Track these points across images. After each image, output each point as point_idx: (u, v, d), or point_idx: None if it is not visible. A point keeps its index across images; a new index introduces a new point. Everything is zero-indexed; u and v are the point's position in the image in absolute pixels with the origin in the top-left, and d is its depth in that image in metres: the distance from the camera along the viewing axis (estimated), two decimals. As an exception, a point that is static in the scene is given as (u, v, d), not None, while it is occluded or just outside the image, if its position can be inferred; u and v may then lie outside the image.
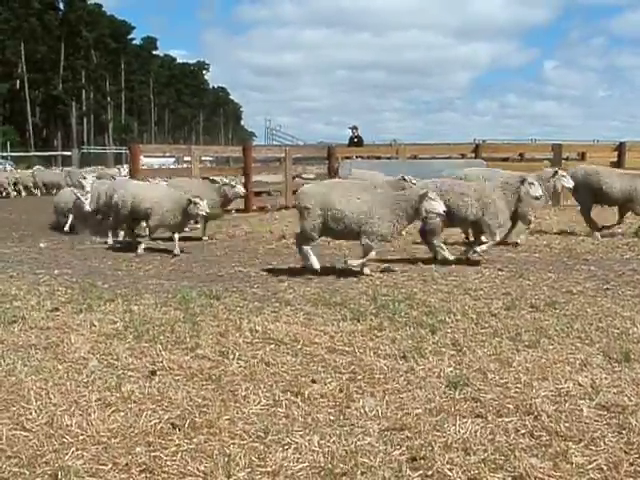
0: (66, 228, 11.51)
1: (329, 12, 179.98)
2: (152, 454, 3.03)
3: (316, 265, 7.10)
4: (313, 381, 3.92)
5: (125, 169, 25.75)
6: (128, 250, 9.26)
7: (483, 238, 7.99)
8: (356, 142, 19.20)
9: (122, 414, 3.46)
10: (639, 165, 15.12)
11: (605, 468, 2.90)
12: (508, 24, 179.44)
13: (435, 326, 4.97)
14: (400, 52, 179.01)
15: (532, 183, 7.86)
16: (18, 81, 72.73)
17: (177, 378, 4.00)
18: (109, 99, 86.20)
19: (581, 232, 10.17)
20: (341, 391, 3.76)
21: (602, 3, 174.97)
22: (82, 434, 3.22)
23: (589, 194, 10.08)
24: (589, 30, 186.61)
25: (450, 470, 2.87)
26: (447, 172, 11.21)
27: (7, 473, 2.89)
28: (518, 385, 3.81)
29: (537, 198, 8.09)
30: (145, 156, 18.56)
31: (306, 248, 7.17)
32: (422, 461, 2.95)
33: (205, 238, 10.47)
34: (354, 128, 19.42)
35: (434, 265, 7.62)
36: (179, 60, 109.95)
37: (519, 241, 9.17)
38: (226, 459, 2.97)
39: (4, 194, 23.68)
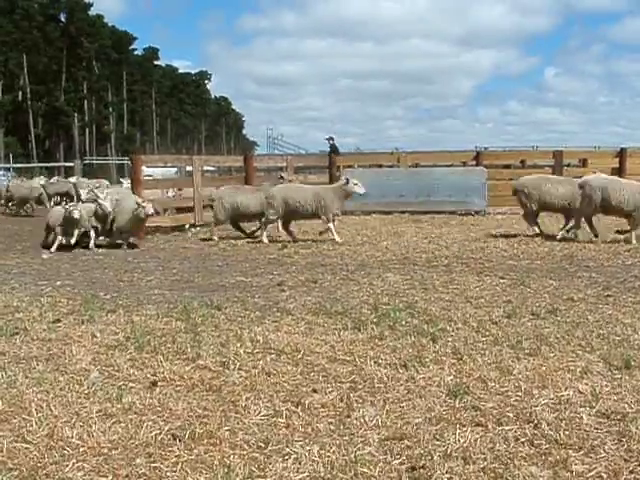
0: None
1: (331, 22, 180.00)
2: (152, 465, 3.04)
3: None
4: (314, 391, 3.92)
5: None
6: (128, 261, 9.30)
7: None
8: (334, 151, 20.18)
9: (123, 425, 3.47)
10: (640, 171, 15.13)
11: (605, 476, 2.90)
12: (509, 32, 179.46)
13: (436, 335, 4.98)
14: (402, 61, 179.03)
15: None
16: (20, 93, 73.03)
17: (178, 389, 4.01)
18: (111, 110, 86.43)
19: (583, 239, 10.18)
20: (341, 401, 3.76)
21: (601, 10, 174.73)
22: (83, 445, 3.23)
23: None
24: (589, 37, 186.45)
25: (450, 479, 2.88)
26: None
27: (8, 485, 2.90)
28: (518, 393, 3.82)
29: None
30: (148, 166, 18.51)
31: None
32: (422, 470, 2.95)
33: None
34: (330, 138, 20.87)
35: (435, 274, 7.63)
36: (181, 70, 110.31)
37: None
38: (226, 470, 2.97)
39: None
